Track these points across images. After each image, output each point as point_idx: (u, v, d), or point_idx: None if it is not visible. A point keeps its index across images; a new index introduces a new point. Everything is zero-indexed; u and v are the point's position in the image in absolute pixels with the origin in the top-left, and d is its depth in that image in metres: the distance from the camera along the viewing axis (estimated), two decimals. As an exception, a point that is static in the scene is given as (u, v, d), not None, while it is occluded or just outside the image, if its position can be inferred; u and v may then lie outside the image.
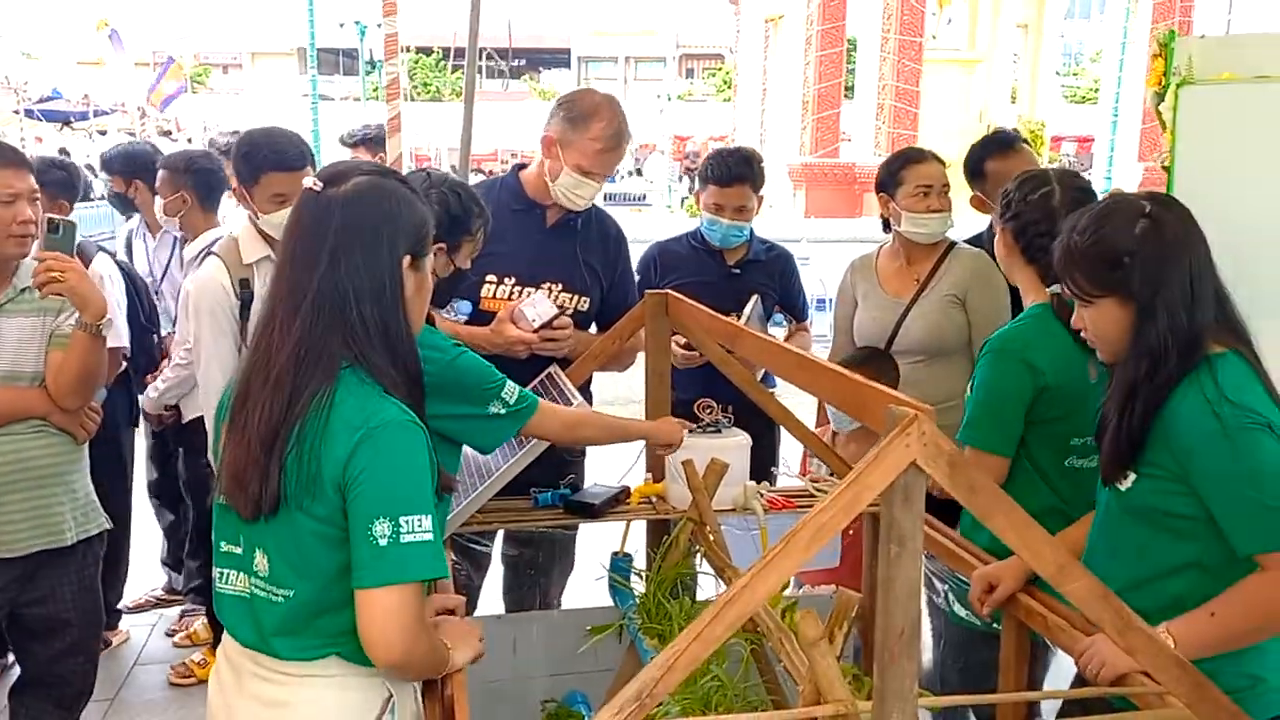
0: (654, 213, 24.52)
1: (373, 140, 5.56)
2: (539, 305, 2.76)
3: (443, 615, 1.90)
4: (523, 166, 3.03)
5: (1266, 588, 1.70)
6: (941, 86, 20.91)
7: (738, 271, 3.44)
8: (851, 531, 2.96)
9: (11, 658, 3.28)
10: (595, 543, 2.94)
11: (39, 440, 2.68)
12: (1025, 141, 3.40)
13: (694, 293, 3.29)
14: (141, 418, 3.93)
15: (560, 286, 2.94)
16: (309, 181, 1.73)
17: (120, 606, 4.22)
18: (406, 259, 1.71)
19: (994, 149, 3.34)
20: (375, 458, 1.57)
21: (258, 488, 1.61)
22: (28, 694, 2.81)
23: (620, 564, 2.58)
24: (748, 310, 3.27)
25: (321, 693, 1.67)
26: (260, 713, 1.70)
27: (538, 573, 3.01)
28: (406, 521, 1.56)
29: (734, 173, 3.32)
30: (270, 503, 1.60)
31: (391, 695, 1.71)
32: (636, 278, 3.47)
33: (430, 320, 2.08)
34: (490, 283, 2.88)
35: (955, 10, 21.57)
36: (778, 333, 3.69)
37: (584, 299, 2.98)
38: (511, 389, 2.18)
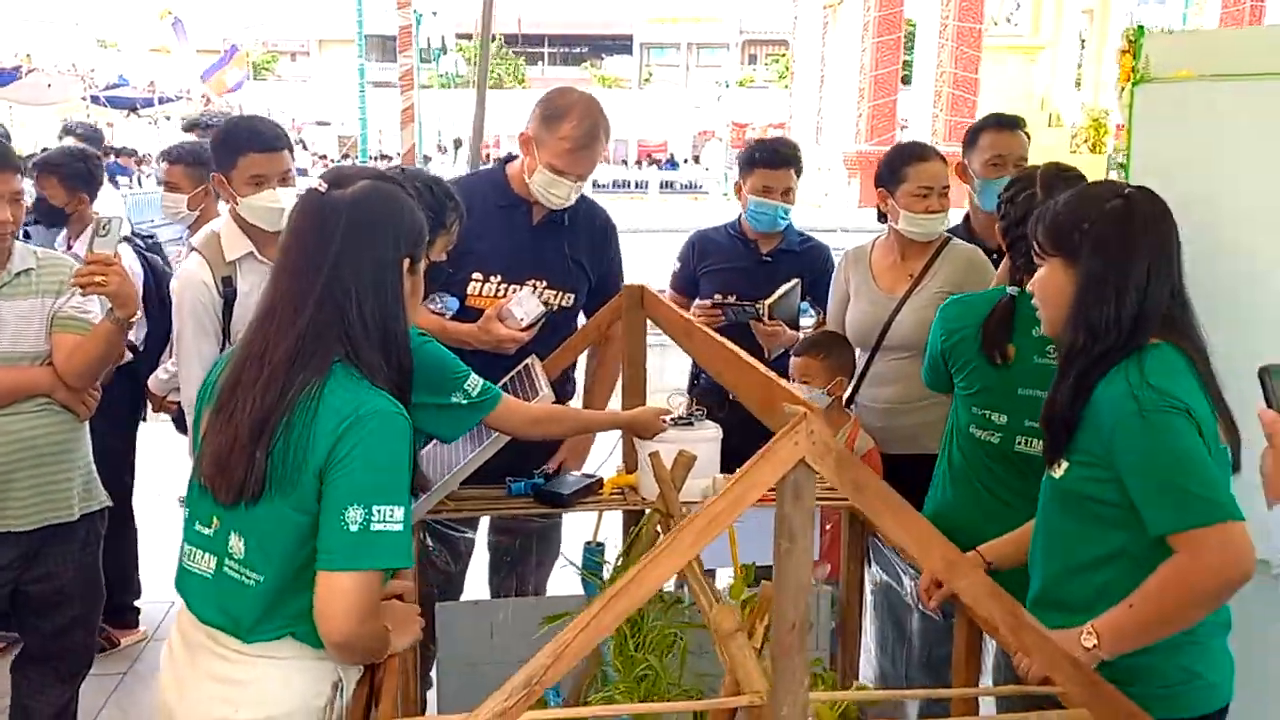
0: (710, 200, 24.44)
1: (207, 127, 5.46)
2: (526, 303, 2.79)
3: (388, 600, 1.95)
4: (509, 159, 3.05)
5: (1177, 572, 1.69)
6: (1002, 73, 20.57)
7: (769, 260, 3.50)
8: (830, 526, 2.97)
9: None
10: (585, 532, 2.98)
11: (44, 418, 2.77)
12: (1023, 126, 3.47)
13: (726, 278, 3.47)
14: (149, 411, 4.01)
15: (545, 283, 2.95)
16: (314, 182, 1.80)
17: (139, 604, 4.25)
18: (406, 261, 1.78)
19: (991, 125, 3.44)
20: (358, 445, 1.63)
21: (242, 474, 1.67)
22: (30, 668, 2.91)
23: (592, 554, 2.62)
24: (782, 289, 3.32)
25: (273, 673, 1.73)
26: (212, 689, 1.76)
27: (520, 561, 3.05)
28: (379, 510, 1.62)
29: (782, 155, 3.45)
30: (255, 489, 1.66)
31: (340, 679, 1.77)
32: (677, 264, 3.62)
33: None
34: (476, 280, 2.91)
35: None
36: (806, 323, 3.72)
37: (569, 295, 2.99)
38: (475, 381, 2.21)
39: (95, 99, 20.22)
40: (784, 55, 42.88)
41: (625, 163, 36.53)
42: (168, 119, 22.79)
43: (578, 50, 60.30)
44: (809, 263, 3.54)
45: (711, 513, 1.37)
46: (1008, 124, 3.42)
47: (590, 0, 53.21)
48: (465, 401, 2.19)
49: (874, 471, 2.96)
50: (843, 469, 1.37)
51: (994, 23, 20.40)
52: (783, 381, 1.53)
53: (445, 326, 2.80)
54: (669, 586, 2.55)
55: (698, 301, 3.39)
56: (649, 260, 5.00)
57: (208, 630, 1.76)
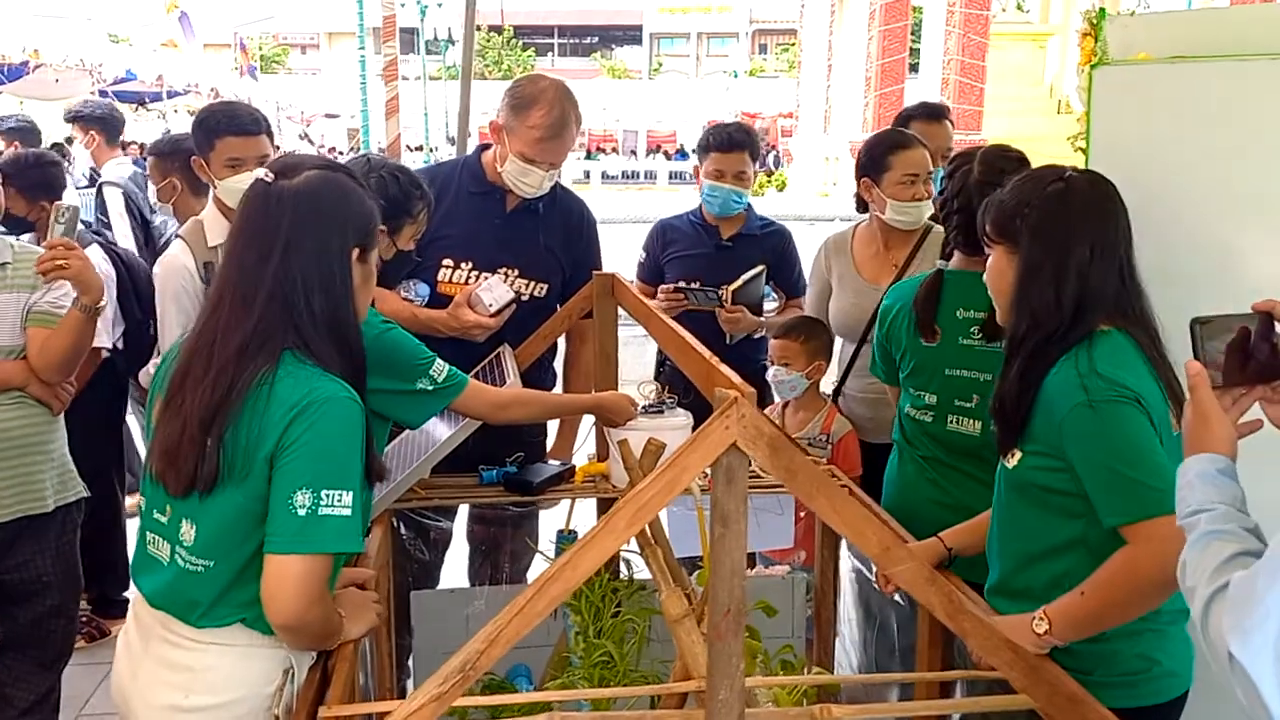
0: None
1: (86, 118, 5.45)
2: (495, 290, 2.78)
3: (347, 587, 1.96)
4: (487, 147, 3.03)
5: (1129, 561, 1.68)
6: (1011, 60, 20.44)
7: (730, 245, 3.51)
8: (805, 513, 2.96)
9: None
10: (562, 521, 2.99)
11: (18, 411, 2.79)
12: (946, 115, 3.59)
13: (689, 265, 3.48)
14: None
15: (517, 272, 2.93)
16: (261, 172, 1.79)
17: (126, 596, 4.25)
18: (355, 251, 1.78)
19: (920, 114, 3.54)
20: (308, 430, 1.64)
21: (192, 466, 1.67)
22: (10, 656, 2.94)
23: (565, 541, 2.62)
24: (745, 275, 3.33)
25: (224, 659, 1.74)
26: (164, 675, 1.77)
27: (495, 550, 3.05)
28: (328, 495, 1.62)
29: (734, 139, 3.45)
30: (206, 481, 1.66)
31: (292, 666, 1.77)
32: (643, 254, 3.62)
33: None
34: (447, 266, 2.90)
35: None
36: (770, 307, 3.72)
37: (542, 285, 2.97)
38: (441, 367, 2.21)
39: (103, 93, 20.19)
40: (794, 44, 42.77)
41: (634, 153, 36.46)
42: (175, 112, 22.82)
43: (587, 40, 60.19)
44: (770, 247, 3.56)
45: (643, 498, 1.37)
46: (936, 114, 3.55)
47: (600, -10, 53.17)
48: (431, 387, 2.19)
49: (851, 456, 3.01)
50: (776, 453, 1.36)
51: (1002, 9, 20.28)
52: (722, 366, 1.53)
53: (416, 313, 2.80)
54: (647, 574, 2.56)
55: (661, 287, 3.40)
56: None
57: (159, 616, 1.77)
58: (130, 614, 1.88)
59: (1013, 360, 1.84)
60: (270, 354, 1.68)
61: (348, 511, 1.64)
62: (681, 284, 3.33)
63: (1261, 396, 1.38)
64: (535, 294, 2.96)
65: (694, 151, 3.68)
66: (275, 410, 1.64)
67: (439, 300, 2.87)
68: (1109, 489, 1.70)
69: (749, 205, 3.57)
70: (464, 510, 3.06)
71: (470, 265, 2.91)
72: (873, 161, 3.12)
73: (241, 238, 1.75)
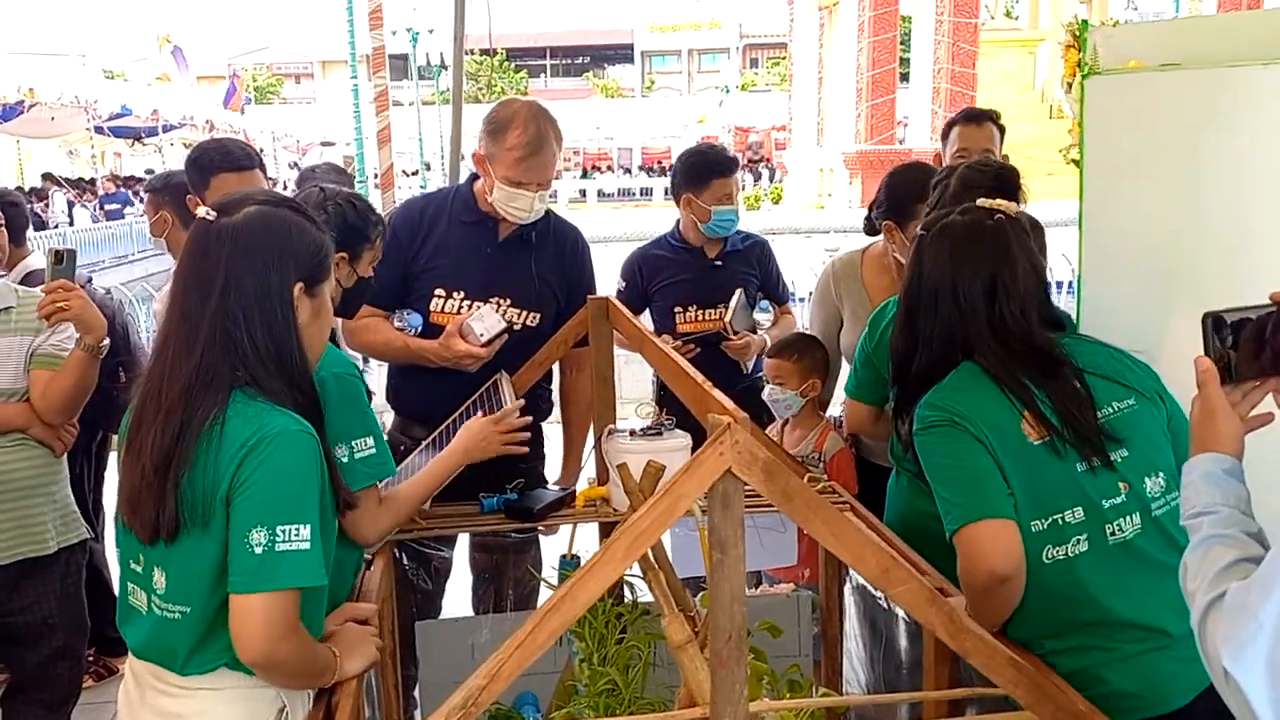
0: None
1: None
2: (486, 319, 2.77)
3: (346, 623, 1.95)
4: (477, 176, 3.00)
5: (959, 572, 1.83)
6: (1002, 67, 20.52)
7: (719, 264, 3.54)
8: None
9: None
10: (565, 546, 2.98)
11: (20, 453, 2.80)
12: (994, 120, 3.58)
13: (681, 290, 3.49)
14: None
15: (509, 301, 2.91)
16: (202, 211, 1.77)
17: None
18: (299, 286, 1.75)
19: (962, 119, 3.60)
20: (259, 467, 1.62)
21: (153, 513, 1.66)
22: (18, 699, 2.94)
23: (567, 566, 2.62)
24: (733, 304, 3.38)
25: (215, 704, 1.73)
26: None
27: (501, 577, 3.03)
28: (284, 530, 1.61)
29: (726, 162, 3.53)
30: (169, 528, 1.65)
31: (285, 706, 1.76)
32: (623, 284, 3.61)
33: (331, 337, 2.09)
34: (439, 296, 2.89)
35: (1015, -11, 21.16)
36: (764, 319, 3.74)
37: (534, 314, 2.94)
38: (367, 445, 2.09)
39: (99, 129, 20.37)
40: (784, 58, 42.94)
41: (629, 170, 36.54)
42: (172, 145, 22.97)
43: (579, 61, 60.45)
44: (755, 259, 3.60)
45: (639, 527, 1.37)
46: (975, 118, 3.53)
47: (590, 10, 53.38)
48: (344, 459, 2.04)
49: (846, 473, 3.00)
50: (771, 477, 1.36)
51: (990, 16, 20.36)
52: (715, 392, 1.53)
53: (408, 343, 2.80)
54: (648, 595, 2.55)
55: (665, 338, 3.35)
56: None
57: (148, 666, 1.76)
58: (127, 667, 1.87)
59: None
60: (218, 393, 1.67)
61: (306, 545, 1.63)
62: (682, 338, 3.42)
63: (1275, 388, 1.37)
64: (528, 323, 2.93)
65: (675, 180, 3.67)
66: (226, 450, 1.63)
67: (432, 330, 2.86)
68: (940, 505, 1.85)
69: None
70: (464, 538, 3.04)
71: (462, 295, 2.89)
72: (899, 207, 2.94)
73: (183, 278, 1.74)
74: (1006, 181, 2.30)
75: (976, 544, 1.77)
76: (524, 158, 2.77)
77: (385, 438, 2.15)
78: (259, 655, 1.63)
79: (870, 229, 3.18)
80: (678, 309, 3.50)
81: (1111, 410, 1.87)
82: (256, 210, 1.75)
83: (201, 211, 1.77)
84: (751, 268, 3.57)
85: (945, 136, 3.63)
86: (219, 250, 1.70)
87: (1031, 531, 1.80)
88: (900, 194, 2.95)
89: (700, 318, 3.50)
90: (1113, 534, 1.83)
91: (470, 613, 3.12)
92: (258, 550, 1.60)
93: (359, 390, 2.13)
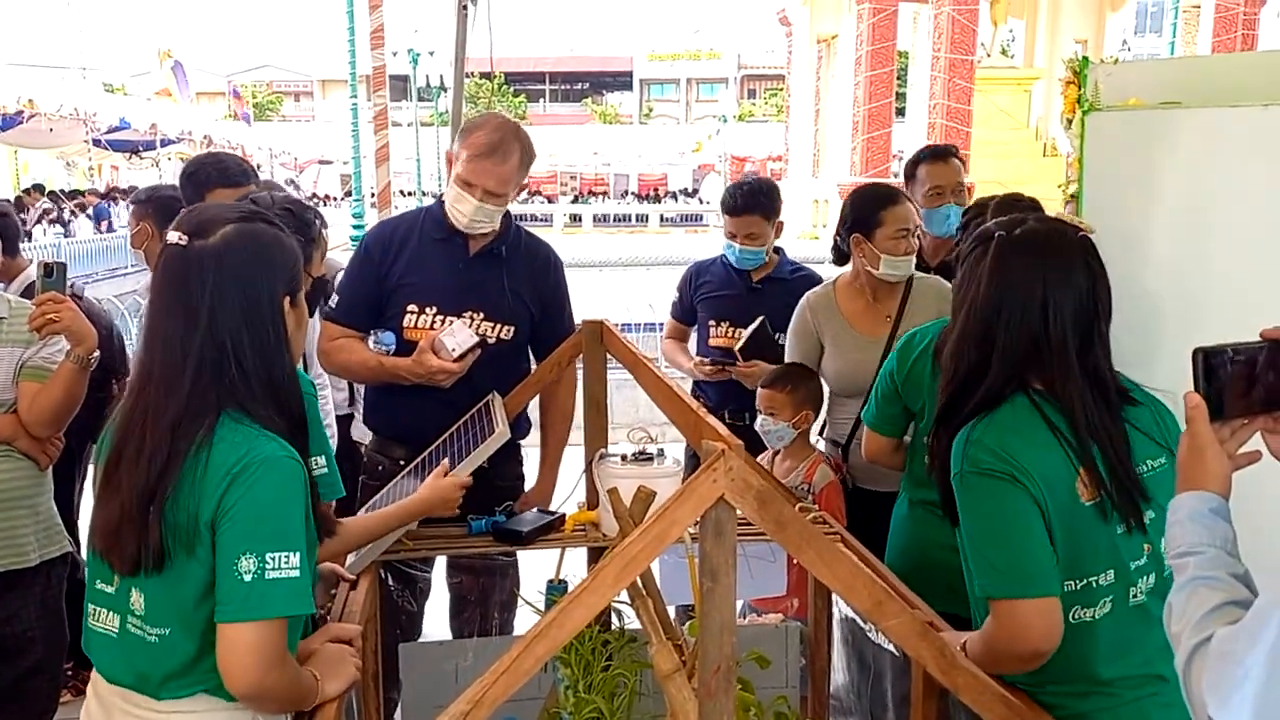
0: (711, 234, 24.54)
1: None
2: (458, 334, 2.75)
3: (325, 643, 1.92)
4: None
5: (986, 634, 1.74)
6: (996, 104, 20.68)
7: (759, 287, 3.66)
8: (796, 561, 2.94)
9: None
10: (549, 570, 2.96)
11: (4, 465, 2.77)
12: (956, 154, 3.70)
13: (718, 304, 3.70)
14: None
15: (482, 315, 2.90)
16: (173, 236, 1.70)
17: None
18: (286, 300, 1.73)
19: (927, 156, 3.65)
20: (246, 494, 1.60)
21: (135, 546, 1.62)
22: (-6, 713, 2.90)
23: (555, 591, 2.59)
24: (748, 331, 3.47)
25: None
26: None
27: (481, 600, 3.00)
28: (273, 558, 1.58)
29: (742, 204, 3.58)
30: (155, 559, 1.61)
31: None
32: (676, 295, 3.84)
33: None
34: (412, 313, 2.88)
35: (1012, 27, 21.35)
36: None
37: (508, 328, 2.93)
38: (320, 464, 2.09)
39: (97, 142, 20.40)
40: (782, 90, 43.27)
41: (625, 196, 36.67)
42: (169, 160, 22.99)
43: (579, 87, 60.78)
44: (796, 290, 3.57)
45: (630, 553, 1.36)
46: (940, 155, 3.62)
47: (591, 37, 53.79)
48: None
49: (835, 505, 2.99)
50: (764, 505, 1.35)
51: (986, 54, 20.51)
52: (710, 418, 1.52)
53: (383, 362, 2.78)
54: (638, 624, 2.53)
55: (696, 359, 3.66)
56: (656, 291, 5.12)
57: (118, 690, 1.72)
58: (90, 689, 1.81)
59: (935, 425, 1.87)
60: (205, 420, 1.63)
61: (296, 572, 1.60)
62: (713, 355, 3.60)
63: (1263, 427, 1.37)
64: (502, 336, 2.92)
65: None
66: (212, 476, 1.60)
67: (406, 348, 2.84)
68: (974, 560, 1.74)
69: (780, 249, 3.74)
70: (440, 559, 3.01)
71: (435, 310, 2.88)
72: (864, 218, 3.12)
73: (161, 307, 1.68)
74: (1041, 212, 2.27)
75: (1023, 620, 1.68)
76: (476, 156, 2.77)
77: (364, 456, 2.14)
78: (250, 686, 1.59)
79: (839, 257, 3.26)
80: (711, 322, 3.69)
81: (1146, 469, 1.80)
82: (234, 230, 1.69)
83: (173, 237, 1.69)
84: (790, 297, 3.51)
85: (911, 175, 3.67)
86: (200, 276, 1.65)
87: (1064, 590, 1.73)
88: (863, 206, 3.14)
89: (732, 335, 3.62)
90: (1134, 596, 1.80)
91: (446, 635, 3.09)
92: (247, 578, 1.57)
93: (315, 411, 2.12)
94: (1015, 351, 1.75)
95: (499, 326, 2.92)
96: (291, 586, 1.60)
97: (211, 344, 1.64)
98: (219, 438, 1.63)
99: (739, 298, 3.64)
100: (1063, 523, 1.71)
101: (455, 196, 2.82)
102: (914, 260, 3.16)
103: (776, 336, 3.48)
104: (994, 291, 1.76)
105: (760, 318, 3.46)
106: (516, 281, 2.95)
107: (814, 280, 3.68)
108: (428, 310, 2.88)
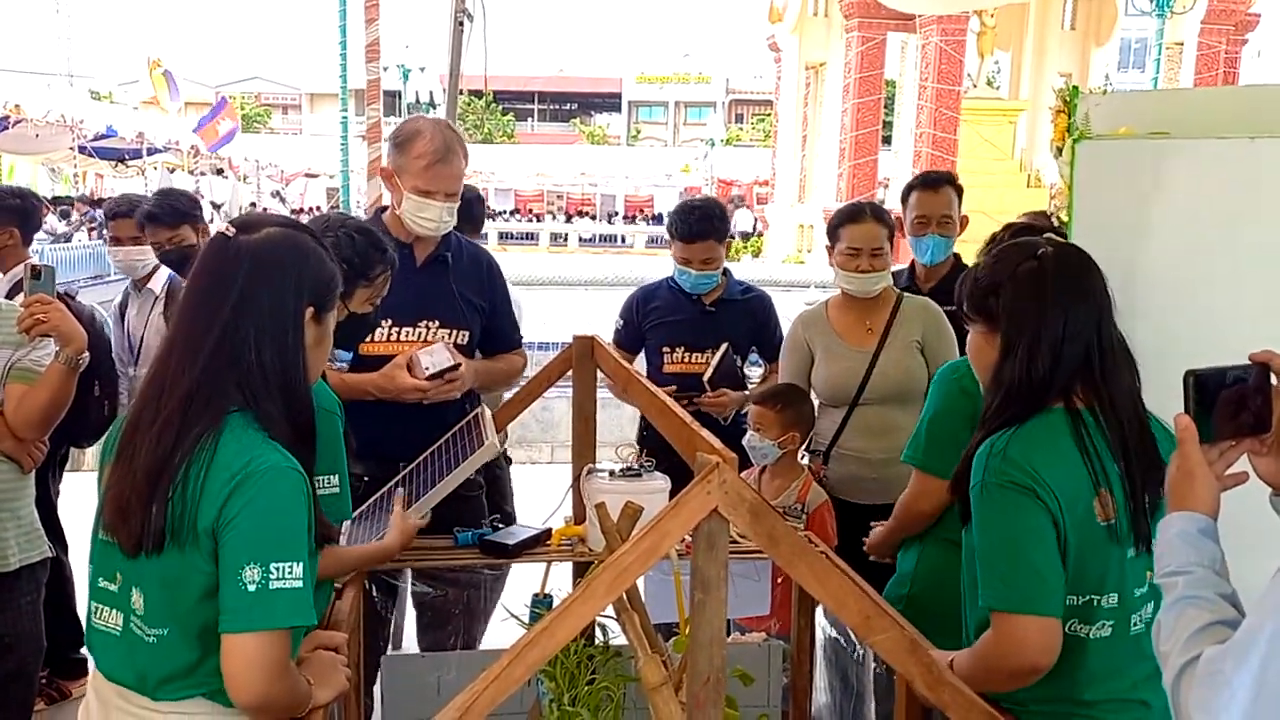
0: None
1: None
2: (436, 354, 2.76)
3: (316, 650, 1.92)
4: (384, 209, 3.05)
5: (985, 646, 1.74)
6: (982, 134, 20.84)
7: (712, 310, 3.62)
8: (782, 580, 2.95)
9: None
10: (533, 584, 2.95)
11: (-13, 467, 2.76)
12: (951, 183, 3.70)
13: (671, 330, 3.59)
14: None
15: (438, 323, 2.93)
16: (222, 226, 1.79)
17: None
18: (310, 310, 1.76)
19: (919, 184, 3.71)
20: (249, 503, 1.60)
21: (140, 524, 1.63)
22: (-32, 719, 2.87)
23: (540, 605, 2.59)
24: (715, 362, 3.47)
25: None
26: None
27: (459, 613, 2.99)
28: (277, 568, 1.59)
29: (694, 230, 3.54)
30: (154, 539, 1.63)
31: None
32: (620, 322, 3.69)
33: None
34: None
35: (998, 59, 21.56)
36: (756, 372, 3.78)
37: (463, 333, 2.97)
38: (332, 483, 2.12)
39: (83, 149, 20.30)
40: (769, 115, 43.52)
41: (611, 218, 36.72)
42: (155, 169, 22.91)
43: (567, 107, 60.96)
44: (751, 312, 3.64)
45: (622, 564, 1.36)
46: (932, 183, 3.64)
47: (580, 58, 54.03)
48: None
49: (826, 528, 3.00)
50: (757, 519, 1.36)
51: (973, 84, 20.70)
52: (704, 432, 1.53)
53: (345, 379, 2.75)
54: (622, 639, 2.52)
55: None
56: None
57: (116, 689, 1.72)
58: (90, 687, 1.82)
59: (979, 437, 1.85)
60: (216, 412, 1.65)
61: (299, 583, 1.61)
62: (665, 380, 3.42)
63: (1250, 449, 1.39)
64: (458, 341, 2.95)
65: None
66: (215, 479, 1.61)
67: (362, 363, 2.83)
68: (984, 570, 1.76)
69: (727, 271, 3.67)
70: (408, 571, 3.00)
71: (390, 322, 2.89)
72: (830, 231, 3.37)
73: (196, 289, 1.75)
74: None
75: (1021, 635, 1.70)
76: (431, 164, 2.82)
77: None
78: (257, 697, 1.60)
79: None
80: (665, 348, 3.59)
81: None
82: (279, 231, 1.77)
83: (221, 227, 1.78)
84: (744, 319, 3.62)
85: (904, 200, 3.72)
86: (236, 265, 1.71)
87: (1064, 603, 1.75)
88: (833, 220, 3.40)
89: (687, 359, 3.57)
90: (1134, 625, 1.81)
91: (414, 648, 3.07)
92: (251, 588, 1.58)
93: (336, 430, 2.14)
94: (1073, 361, 1.78)
95: (454, 332, 2.96)
96: (295, 597, 1.61)
97: (234, 329, 1.68)
98: (226, 438, 1.64)
99: (693, 322, 3.58)
100: (1076, 537, 1.74)
101: (416, 206, 2.85)
102: (872, 280, 3.24)
103: (738, 362, 3.53)
104: (1058, 301, 1.79)
105: (725, 345, 3.47)
106: (464, 286, 2.99)
107: (765, 299, 3.77)
108: (384, 323, 2.87)
